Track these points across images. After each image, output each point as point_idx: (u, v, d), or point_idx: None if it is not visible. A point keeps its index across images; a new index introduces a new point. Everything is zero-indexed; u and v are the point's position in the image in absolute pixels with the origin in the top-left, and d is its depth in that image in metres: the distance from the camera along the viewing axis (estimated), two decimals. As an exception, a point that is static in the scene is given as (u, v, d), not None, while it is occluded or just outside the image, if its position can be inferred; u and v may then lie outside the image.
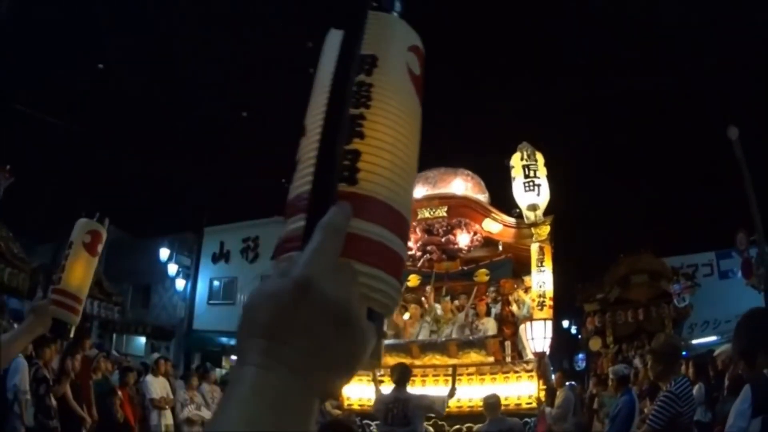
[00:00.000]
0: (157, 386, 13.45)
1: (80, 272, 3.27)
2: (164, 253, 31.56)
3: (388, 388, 9.73)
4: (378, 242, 0.85)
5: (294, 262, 0.74)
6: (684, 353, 13.21)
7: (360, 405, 11.96)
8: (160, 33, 28.96)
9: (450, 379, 10.72)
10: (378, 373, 10.49)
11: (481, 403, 10.28)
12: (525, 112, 26.34)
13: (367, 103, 0.92)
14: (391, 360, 11.35)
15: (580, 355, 24.34)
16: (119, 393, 12.56)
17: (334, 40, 1.00)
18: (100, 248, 3.43)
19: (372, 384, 10.59)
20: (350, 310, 0.73)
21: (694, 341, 21.24)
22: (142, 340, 31.77)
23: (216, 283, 32.97)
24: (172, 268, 31.82)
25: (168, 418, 13.40)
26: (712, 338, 20.25)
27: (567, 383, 14.41)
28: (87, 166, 30.89)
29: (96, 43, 25.97)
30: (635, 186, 31.54)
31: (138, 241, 31.01)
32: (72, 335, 3.39)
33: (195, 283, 33.24)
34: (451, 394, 10.15)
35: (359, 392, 11.98)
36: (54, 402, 10.45)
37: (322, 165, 0.85)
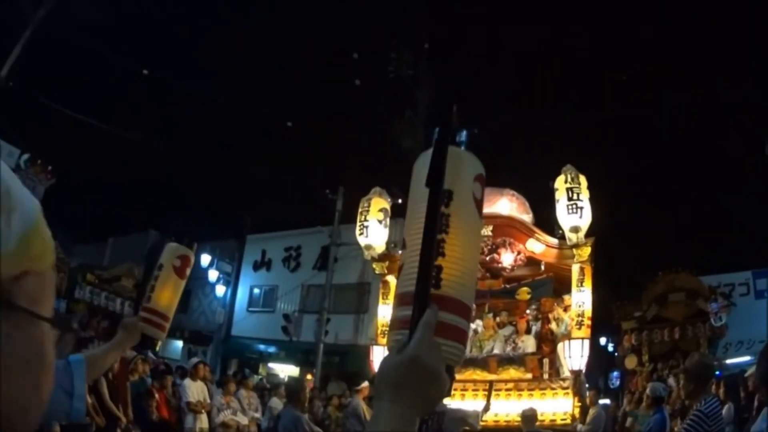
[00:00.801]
0: (195, 390, 13.70)
1: (169, 293, 3.53)
2: (205, 259, 31.16)
3: None
4: (452, 325, 1.37)
5: (408, 342, 1.27)
6: (717, 373, 13.37)
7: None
8: (204, 41, 29.31)
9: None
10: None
11: (517, 419, 10.56)
12: (568, 132, 26.51)
13: (446, 230, 1.41)
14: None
15: (615, 373, 24.28)
16: (156, 395, 12.94)
17: (422, 168, 1.43)
18: (188, 272, 3.68)
19: None
20: (439, 373, 1.27)
21: (728, 361, 21.04)
22: (179, 344, 31.82)
23: (256, 290, 33.22)
24: (213, 274, 31.74)
25: (203, 422, 13.64)
26: (746, 358, 19.88)
27: (600, 402, 14.58)
28: (130, 171, 31.32)
29: (141, 48, 26.42)
30: (673, 205, 31.52)
31: (180, 247, 31.00)
32: (157, 349, 3.76)
33: (235, 289, 33.46)
34: (486, 408, 10.50)
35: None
36: (89, 400, 10.62)
37: (422, 277, 1.31)
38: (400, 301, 1.40)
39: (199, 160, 29.51)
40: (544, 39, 30.68)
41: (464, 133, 1.49)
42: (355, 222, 14.69)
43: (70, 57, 22.58)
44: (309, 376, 23.47)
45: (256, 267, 33.37)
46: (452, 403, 10.16)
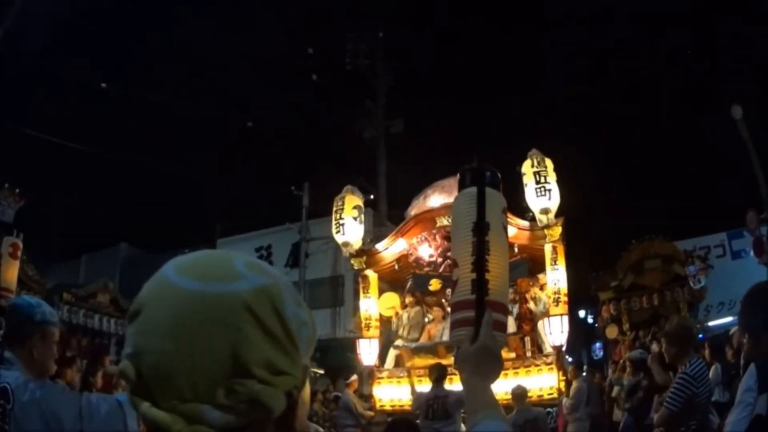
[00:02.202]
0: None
1: None
2: (178, 268, 31.00)
3: (425, 387, 10.77)
4: (498, 320, 1.79)
5: (476, 336, 1.72)
6: (701, 336, 13.30)
7: (391, 405, 12.43)
8: (162, 49, 29.05)
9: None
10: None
11: (505, 397, 10.60)
12: (535, 108, 26.59)
13: (489, 252, 1.80)
14: (419, 361, 12.59)
15: (598, 344, 24.26)
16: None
17: (461, 206, 1.91)
18: None
19: (407, 385, 11.82)
20: (498, 354, 1.75)
21: (711, 323, 21.16)
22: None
23: (232, 293, 32.75)
24: (188, 283, 31.24)
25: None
26: (728, 319, 19.92)
27: (582, 373, 14.70)
28: (97, 186, 31.01)
29: (96, 62, 26.15)
30: (644, 171, 31.57)
31: (152, 258, 30.60)
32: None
33: (212, 295, 32.98)
34: None
35: (390, 393, 12.37)
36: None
37: (479, 288, 1.76)
38: (458, 306, 1.84)
39: (163, 169, 29.21)
40: (506, 28, 30.74)
41: (488, 174, 1.90)
42: (323, 216, 14.77)
43: (27, 76, 22.34)
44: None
45: (230, 270, 32.83)
46: (452, 386, 10.33)
